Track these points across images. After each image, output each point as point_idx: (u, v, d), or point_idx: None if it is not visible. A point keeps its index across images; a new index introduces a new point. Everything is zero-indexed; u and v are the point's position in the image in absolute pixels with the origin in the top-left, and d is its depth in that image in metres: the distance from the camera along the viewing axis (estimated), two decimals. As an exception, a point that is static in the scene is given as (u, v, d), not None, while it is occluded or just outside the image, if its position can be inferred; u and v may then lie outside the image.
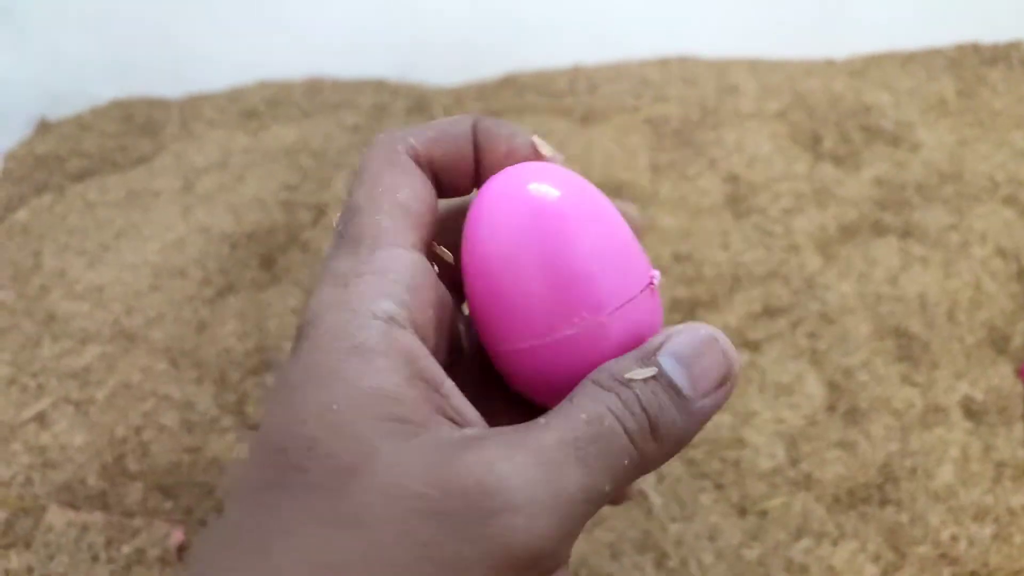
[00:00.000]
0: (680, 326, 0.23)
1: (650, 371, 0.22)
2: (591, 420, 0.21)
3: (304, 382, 0.20)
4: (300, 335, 0.21)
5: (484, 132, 0.25)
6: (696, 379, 0.22)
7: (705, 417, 0.22)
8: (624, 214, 0.26)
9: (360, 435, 0.19)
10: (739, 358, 0.24)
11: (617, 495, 0.24)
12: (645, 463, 0.22)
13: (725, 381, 0.23)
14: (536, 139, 0.26)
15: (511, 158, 0.25)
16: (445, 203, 0.27)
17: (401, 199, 0.23)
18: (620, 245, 0.24)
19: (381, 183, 0.23)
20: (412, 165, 0.24)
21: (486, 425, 0.22)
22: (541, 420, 0.21)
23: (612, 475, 0.21)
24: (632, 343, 0.24)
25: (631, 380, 0.22)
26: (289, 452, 0.19)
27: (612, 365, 0.22)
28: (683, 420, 0.22)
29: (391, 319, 0.21)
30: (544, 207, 0.23)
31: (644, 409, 0.21)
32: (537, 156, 0.26)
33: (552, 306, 0.23)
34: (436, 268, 0.24)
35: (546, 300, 0.23)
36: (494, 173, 0.25)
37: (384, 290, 0.21)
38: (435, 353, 0.23)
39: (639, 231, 0.27)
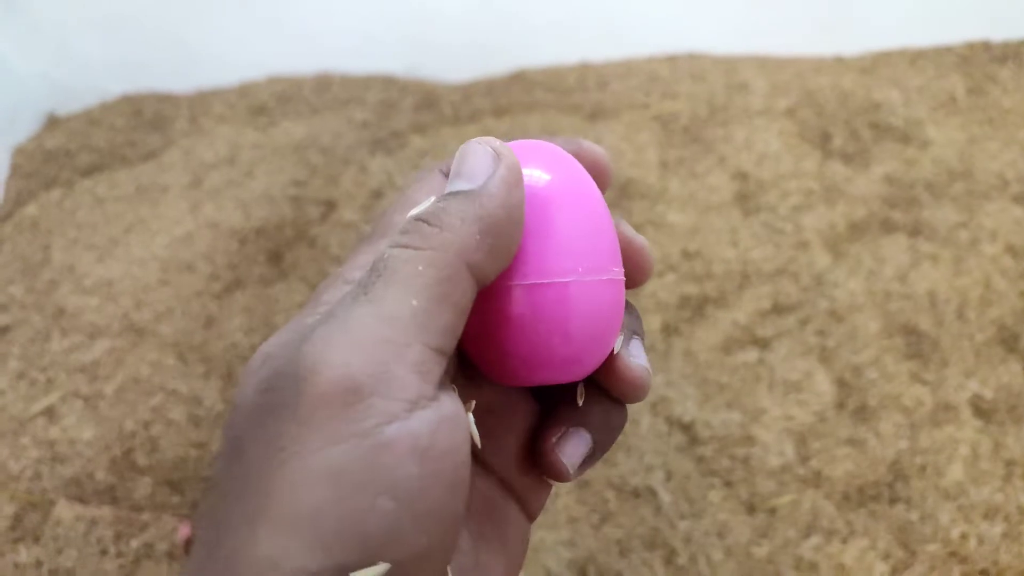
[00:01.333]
0: None
1: (427, 201, 0.24)
2: (373, 264, 0.22)
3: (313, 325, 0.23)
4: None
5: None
6: (469, 175, 0.23)
7: (495, 188, 0.23)
8: (619, 229, 0.27)
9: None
10: (497, 142, 0.24)
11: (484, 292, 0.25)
12: (449, 252, 0.22)
13: (496, 159, 0.24)
14: (583, 141, 0.28)
15: None
16: None
17: (420, 199, 0.26)
18: (591, 232, 0.25)
19: (408, 192, 0.26)
20: (443, 178, 0.27)
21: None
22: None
23: (410, 288, 0.21)
24: (588, 322, 0.25)
25: (412, 215, 0.23)
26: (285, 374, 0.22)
27: None
28: (471, 202, 0.23)
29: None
30: (535, 191, 0.25)
31: (419, 218, 0.22)
32: (578, 151, 0.28)
33: (523, 257, 0.24)
34: None
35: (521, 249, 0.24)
36: None
37: (347, 278, 0.24)
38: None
39: (640, 256, 0.27)
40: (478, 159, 0.24)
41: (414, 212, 0.23)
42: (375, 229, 0.27)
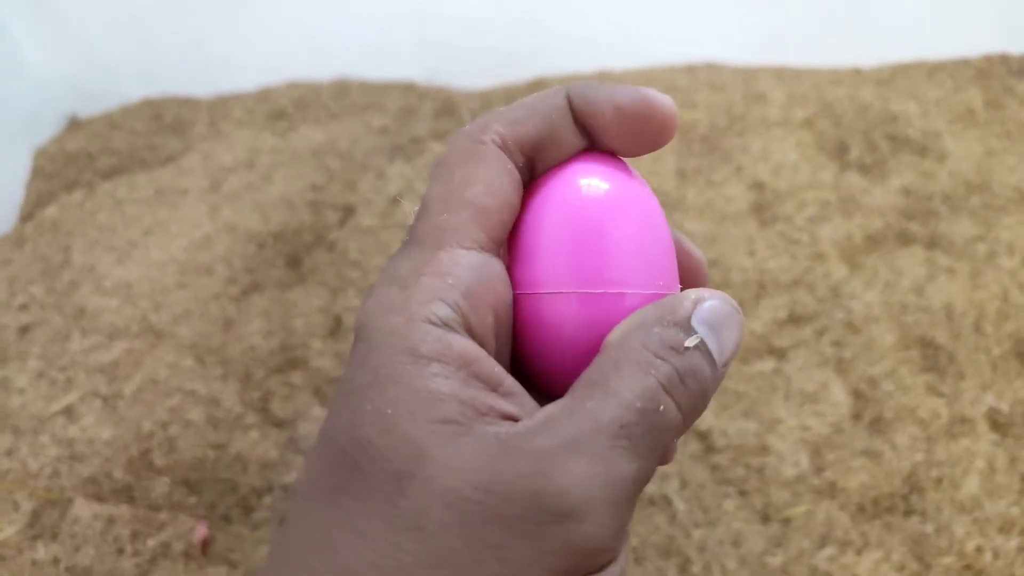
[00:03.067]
0: (699, 291, 0.23)
1: (696, 339, 0.21)
2: (643, 399, 0.20)
3: (364, 386, 0.20)
4: (358, 336, 0.22)
5: (582, 99, 0.24)
6: (723, 348, 0.22)
7: (722, 376, 0.22)
8: (679, 244, 0.26)
9: (411, 437, 0.19)
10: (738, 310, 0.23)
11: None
12: (683, 430, 0.21)
13: (736, 352, 0.23)
14: (645, 91, 0.25)
15: (621, 117, 0.24)
16: None
17: (471, 195, 0.23)
18: (651, 247, 0.25)
19: (454, 179, 0.23)
20: (495, 154, 0.23)
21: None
22: (590, 403, 0.20)
23: (660, 451, 0.21)
24: None
25: (687, 348, 0.21)
26: (348, 454, 0.19)
27: (649, 331, 0.21)
28: (712, 384, 0.22)
29: (446, 324, 0.21)
30: (599, 210, 0.24)
31: (696, 380, 0.21)
32: (647, 108, 0.25)
33: (577, 263, 0.23)
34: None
35: (574, 255, 0.23)
36: (608, 138, 0.25)
37: (440, 294, 0.21)
38: (498, 353, 0.23)
39: (699, 270, 0.27)
40: (735, 338, 0.23)
41: (686, 346, 0.22)
42: (415, 223, 0.24)
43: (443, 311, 0.21)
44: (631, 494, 0.20)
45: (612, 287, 0.24)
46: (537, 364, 0.25)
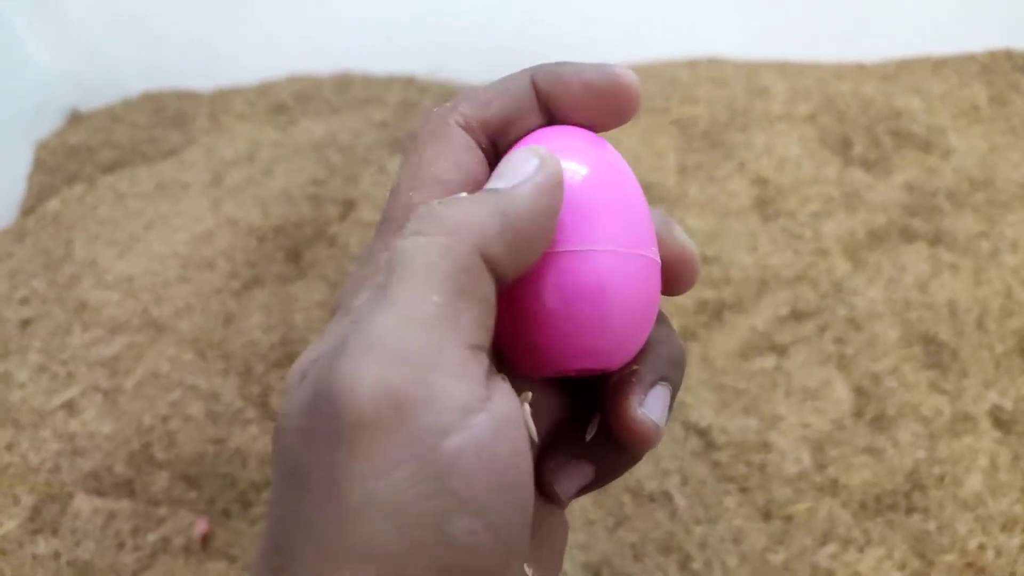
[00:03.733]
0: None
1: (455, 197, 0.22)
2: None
3: (329, 332, 0.22)
4: (335, 305, 0.23)
5: (547, 77, 0.25)
6: (503, 175, 0.22)
7: (529, 190, 0.22)
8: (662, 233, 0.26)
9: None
10: (544, 149, 0.23)
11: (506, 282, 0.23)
12: (472, 238, 0.21)
13: (539, 164, 0.22)
14: (610, 66, 0.25)
15: (589, 92, 0.25)
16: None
17: (436, 171, 0.24)
18: (626, 211, 0.24)
19: (422, 158, 0.24)
20: (458, 134, 0.25)
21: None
22: None
23: (426, 279, 0.20)
24: (623, 300, 0.24)
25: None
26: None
27: None
28: (500, 198, 0.21)
29: None
30: (572, 183, 0.24)
31: (438, 205, 0.21)
32: (615, 84, 0.25)
33: (564, 227, 0.23)
34: None
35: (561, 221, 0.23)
36: (576, 114, 0.25)
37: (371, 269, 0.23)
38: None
39: (687, 264, 0.26)
40: (519, 163, 0.23)
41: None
42: (388, 210, 0.25)
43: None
44: (406, 333, 0.20)
45: (591, 245, 0.23)
46: (515, 340, 0.24)
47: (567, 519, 0.27)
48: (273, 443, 0.21)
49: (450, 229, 0.20)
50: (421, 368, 0.19)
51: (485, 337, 0.21)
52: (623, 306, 0.24)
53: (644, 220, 0.25)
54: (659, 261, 0.25)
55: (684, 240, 0.26)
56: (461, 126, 0.25)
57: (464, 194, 0.22)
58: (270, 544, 0.20)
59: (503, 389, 0.21)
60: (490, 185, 0.22)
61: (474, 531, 0.18)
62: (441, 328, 0.20)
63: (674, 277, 0.26)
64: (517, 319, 0.24)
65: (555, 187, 0.22)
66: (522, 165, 0.22)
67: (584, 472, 0.25)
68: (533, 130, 0.26)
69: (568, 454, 0.25)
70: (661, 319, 0.26)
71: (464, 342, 0.20)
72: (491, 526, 0.19)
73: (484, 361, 0.20)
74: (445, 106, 0.25)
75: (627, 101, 0.25)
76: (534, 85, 0.25)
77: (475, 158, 0.25)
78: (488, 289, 0.21)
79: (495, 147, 0.25)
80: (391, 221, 0.24)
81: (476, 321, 0.20)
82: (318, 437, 0.19)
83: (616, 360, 0.25)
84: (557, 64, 0.25)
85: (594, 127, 0.26)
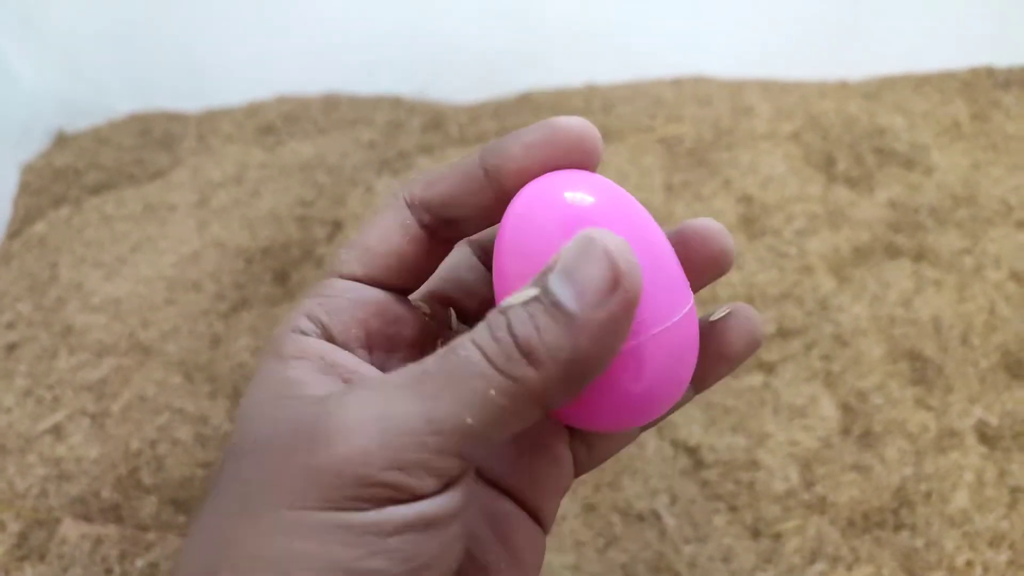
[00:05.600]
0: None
1: (530, 293, 0.20)
2: (446, 352, 0.20)
3: (253, 384, 0.24)
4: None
5: (491, 150, 0.25)
6: (580, 290, 0.20)
7: (598, 330, 0.20)
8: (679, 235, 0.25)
9: (266, 415, 0.23)
10: (628, 259, 0.20)
11: (537, 429, 0.25)
12: (529, 389, 0.20)
13: (615, 286, 0.20)
14: (553, 120, 0.25)
15: (532, 152, 0.24)
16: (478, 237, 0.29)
17: (365, 238, 0.27)
18: (658, 264, 0.23)
19: (364, 224, 0.27)
20: (397, 208, 0.26)
21: None
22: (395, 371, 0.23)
23: (471, 403, 0.20)
24: (669, 371, 0.23)
25: (509, 307, 0.20)
26: (234, 437, 0.23)
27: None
28: (570, 336, 0.20)
29: (304, 333, 0.25)
30: (577, 215, 0.23)
31: (512, 333, 0.20)
32: (554, 135, 0.24)
33: None
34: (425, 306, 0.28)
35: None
36: (525, 179, 0.24)
37: (307, 311, 0.25)
38: (372, 355, 0.26)
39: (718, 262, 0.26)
40: (596, 272, 0.20)
41: (511, 304, 0.20)
42: (333, 258, 0.28)
43: (304, 324, 0.25)
44: (419, 437, 0.20)
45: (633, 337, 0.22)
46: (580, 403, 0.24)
47: (543, 539, 0.27)
48: (226, 453, 0.23)
49: (517, 378, 0.20)
50: (413, 460, 0.20)
51: (485, 455, 0.25)
52: (662, 376, 0.23)
53: (675, 275, 0.24)
54: (693, 306, 0.24)
55: (704, 228, 0.25)
56: (406, 201, 0.26)
57: (535, 290, 0.21)
58: (191, 544, 0.22)
59: (463, 490, 0.22)
60: (556, 288, 0.20)
61: (383, 569, 0.20)
62: (456, 440, 0.21)
63: (707, 265, 0.26)
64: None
65: (630, 316, 0.21)
66: (597, 278, 0.20)
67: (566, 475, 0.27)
68: (486, 206, 0.26)
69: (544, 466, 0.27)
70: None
71: (469, 457, 0.21)
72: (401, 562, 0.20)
73: (471, 471, 0.23)
74: (406, 183, 0.27)
75: (574, 146, 0.25)
76: (481, 162, 0.25)
77: (401, 231, 0.26)
78: (527, 425, 0.21)
79: (447, 223, 0.27)
80: (326, 273, 0.27)
81: (492, 448, 0.24)
82: (280, 458, 0.21)
83: (657, 415, 0.25)
84: (505, 137, 0.25)
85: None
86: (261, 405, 0.23)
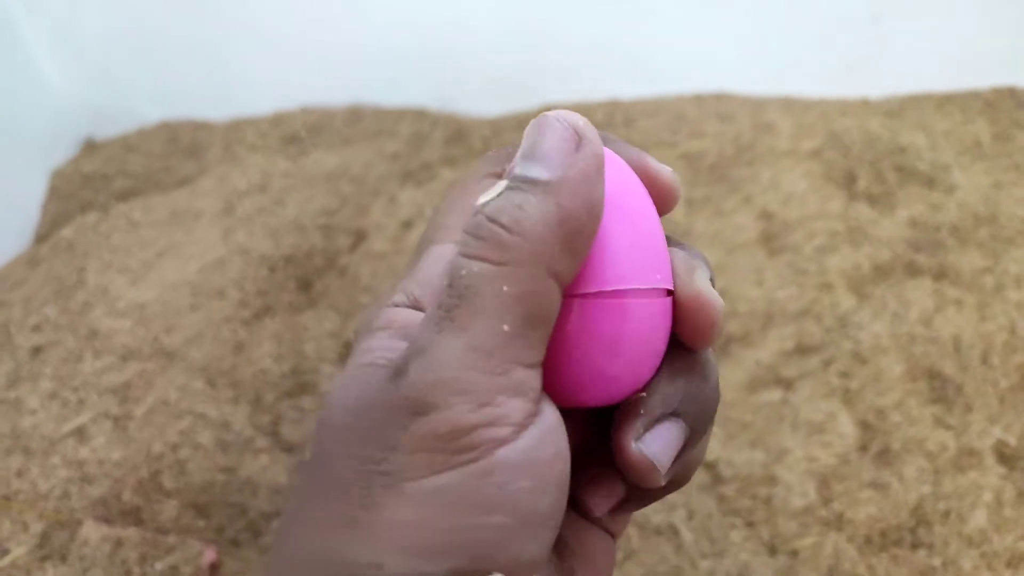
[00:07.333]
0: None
1: (501, 184, 0.21)
2: (451, 279, 0.21)
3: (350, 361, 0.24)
4: (357, 328, 0.27)
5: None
6: (547, 159, 0.21)
7: (575, 186, 0.21)
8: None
9: (350, 391, 0.22)
10: (584, 122, 0.21)
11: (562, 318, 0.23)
12: (534, 265, 0.20)
13: (577, 144, 0.21)
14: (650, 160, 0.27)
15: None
16: None
17: (463, 205, 0.26)
18: (643, 231, 0.24)
19: (455, 193, 0.26)
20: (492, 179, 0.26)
21: None
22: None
23: (496, 311, 0.20)
24: (640, 338, 0.23)
25: (483, 205, 0.21)
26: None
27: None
28: (552, 200, 0.20)
29: (397, 305, 0.24)
30: None
31: (497, 224, 0.20)
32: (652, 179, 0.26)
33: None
34: None
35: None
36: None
37: (403, 286, 0.25)
38: None
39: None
40: (556, 141, 0.21)
41: (484, 203, 0.21)
42: (428, 236, 0.26)
43: (399, 298, 0.24)
44: (473, 364, 0.20)
45: (614, 285, 0.23)
46: (550, 373, 0.24)
47: (613, 545, 0.27)
48: (312, 442, 0.22)
49: (517, 258, 0.20)
50: (486, 392, 0.20)
51: (543, 352, 0.22)
52: (639, 344, 0.24)
53: (663, 250, 0.24)
54: (670, 288, 0.25)
55: (701, 288, 0.25)
56: (496, 176, 0.26)
57: (501, 184, 0.21)
58: (293, 520, 0.21)
59: (548, 399, 0.22)
60: (526, 169, 0.21)
61: (510, 527, 0.20)
62: (507, 353, 0.20)
63: (689, 325, 0.25)
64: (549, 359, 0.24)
65: (601, 168, 0.22)
66: (559, 144, 0.21)
67: (614, 488, 0.25)
68: None
69: (598, 469, 0.25)
70: (693, 354, 0.26)
71: (527, 362, 0.21)
72: (526, 524, 0.20)
73: (539, 376, 0.21)
74: (489, 157, 0.27)
75: (664, 197, 0.27)
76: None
77: None
78: (555, 304, 0.21)
79: None
80: (416, 248, 0.26)
81: (539, 341, 0.21)
82: (369, 439, 0.20)
83: (625, 393, 0.25)
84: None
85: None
86: (343, 382, 0.22)
